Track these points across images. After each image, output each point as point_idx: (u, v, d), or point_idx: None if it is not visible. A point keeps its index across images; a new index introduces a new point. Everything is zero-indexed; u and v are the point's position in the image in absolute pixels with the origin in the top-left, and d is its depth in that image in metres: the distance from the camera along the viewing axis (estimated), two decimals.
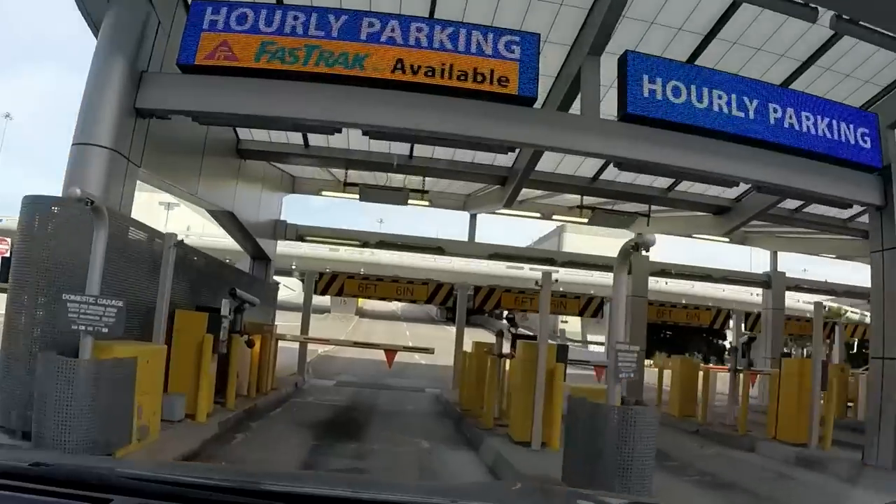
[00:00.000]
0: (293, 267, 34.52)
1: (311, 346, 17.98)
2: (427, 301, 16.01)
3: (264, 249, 13.67)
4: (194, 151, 8.83)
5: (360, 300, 59.90)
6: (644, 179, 11.62)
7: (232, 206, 10.54)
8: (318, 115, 6.42)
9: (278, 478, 1.71)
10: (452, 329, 50.42)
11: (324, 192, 15.77)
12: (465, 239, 15.15)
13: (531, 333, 10.33)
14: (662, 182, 11.80)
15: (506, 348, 9.92)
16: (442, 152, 10.37)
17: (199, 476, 1.51)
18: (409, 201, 16.02)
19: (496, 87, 6.47)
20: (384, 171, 11.01)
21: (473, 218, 15.24)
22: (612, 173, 11.33)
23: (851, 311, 33.92)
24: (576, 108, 7.31)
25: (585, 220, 15.36)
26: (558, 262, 15.30)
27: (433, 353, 11.91)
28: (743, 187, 12.25)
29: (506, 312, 10.30)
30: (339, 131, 6.67)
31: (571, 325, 56.83)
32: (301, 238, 14.28)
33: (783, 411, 10.09)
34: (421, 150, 10.34)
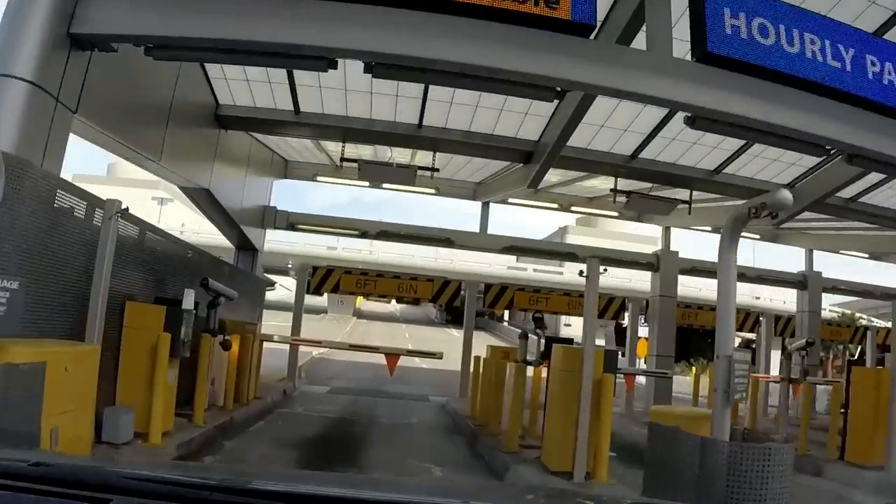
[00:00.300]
0: (289, 266, 32.92)
1: (304, 349, 16.54)
2: (432, 300, 14.39)
3: (250, 239, 12.06)
4: (157, 108, 7.24)
5: (359, 300, 58.57)
6: (689, 158, 10.04)
7: (209, 182, 8.95)
8: (309, 40, 4.85)
9: (279, 477, 1.79)
10: (454, 331, 48.81)
11: (319, 178, 14.17)
12: (477, 231, 13.52)
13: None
14: (710, 161, 10.21)
15: (530, 353, 8.38)
16: (456, 120, 8.76)
17: (199, 476, 1.52)
18: (414, 190, 14.52)
19: (543, 8, 4.89)
20: (389, 143, 9.38)
21: (486, 207, 13.61)
22: (653, 150, 9.76)
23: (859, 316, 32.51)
24: (638, 43, 5.73)
25: (614, 213, 13.84)
26: (581, 256, 13.70)
27: (441, 358, 10.31)
28: (796, 171, 10.71)
29: (532, 313, 8.63)
30: (335, 65, 5.08)
31: (576, 328, 55.23)
32: (293, 226, 12.68)
33: (854, 428, 8.59)
34: (433, 117, 8.71)
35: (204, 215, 10.22)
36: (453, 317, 64.76)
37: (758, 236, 17.69)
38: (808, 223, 15.38)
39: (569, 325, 56.40)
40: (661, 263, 14.47)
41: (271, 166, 13.00)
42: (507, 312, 66.18)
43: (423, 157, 10.25)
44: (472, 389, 10.45)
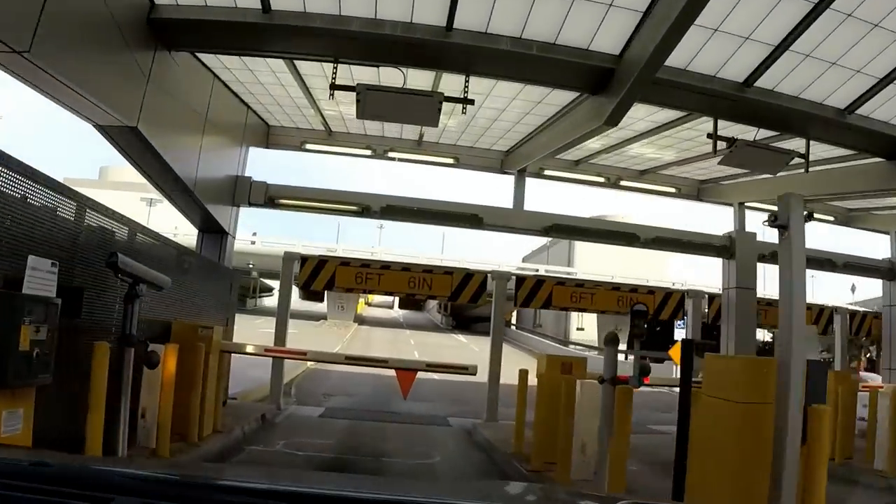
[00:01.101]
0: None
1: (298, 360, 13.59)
2: (451, 298, 11.45)
3: (217, 219, 9.18)
4: None
5: (360, 306, 55.87)
6: (818, 90, 7.16)
7: (137, 119, 6.09)
8: None
9: (279, 477, 1.74)
10: (461, 337, 46.04)
11: (308, 145, 11.33)
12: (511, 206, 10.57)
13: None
14: (841, 97, 7.35)
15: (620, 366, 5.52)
16: (503, 21, 5.85)
17: (200, 476, 1.55)
18: (430, 161, 11.66)
19: None
20: (400, 61, 6.41)
21: (521, 178, 10.70)
22: (774, 76, 6.88)
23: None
24: None
25: (670, 189, 11.01)
26: (643, 238, 10.85)
27: (475, 373, 7.44)
28: None
29: (633, 305, 5.64)
30: None
31: (589, 331, 52.21)
32: (272, 201, 9.78)
33: None
34: (468, 14, 5.77)
35: (140, 173, 7.32)
36: (458, 322, 62.00)
37: (832, 218, 14.90)
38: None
39: (581, 330, 53.80)
40: (737, 248, 11.57)
41: (246, 128, 10.12)
42: (514, 315, 63.44)
43: (449, 84, 7.30)
44: (518, 413, 7.52)
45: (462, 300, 11.48)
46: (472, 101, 6.43)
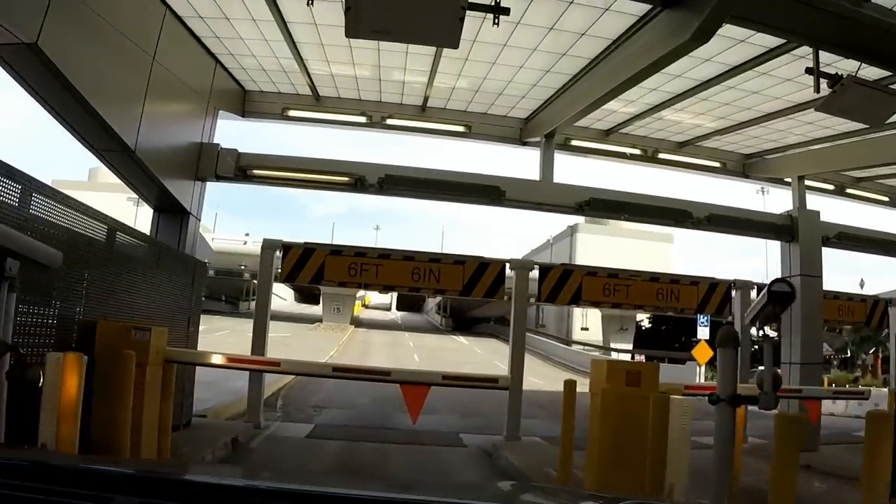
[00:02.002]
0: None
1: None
2: (463, 292, 9.62)
3: (174, 194, 7.36)
4: None
5: (357, 308, 54.05)
6: None
7: (36, 34, 4.29)
8: None
9: (279, 477, 1.84)
10: (461, 339, 44.31)
11: (291, 111, 9.52)
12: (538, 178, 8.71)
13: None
14: None
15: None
16: None
17: (200, 475, 1.58)
18: (439, 129, 9.86)
19: None
20: None
21: (549, 144, 8.86)
22: None
23: None
24: None
25: (714, 164, 9.29)
26: (695, 217, 9.04)
27: (508, 388, 5.65)
28: None
29: (770, 284, 3.77)
30: None
31: (594, 331, 50.39)
32: (244, 173, 7.94)
33: None
34: None
35: (59, 120, 5.48)
36: (458, 323, 60.15)
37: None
38: None
39: (586, 329, 52.01)
40: (800, 228, 9.81)
41: (214, 87, 8.30)
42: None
43: None
44: (565, 437, 5.69)
45: (476, 295, 9.68)
46: (507, 10, 4.64)
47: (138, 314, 5.93)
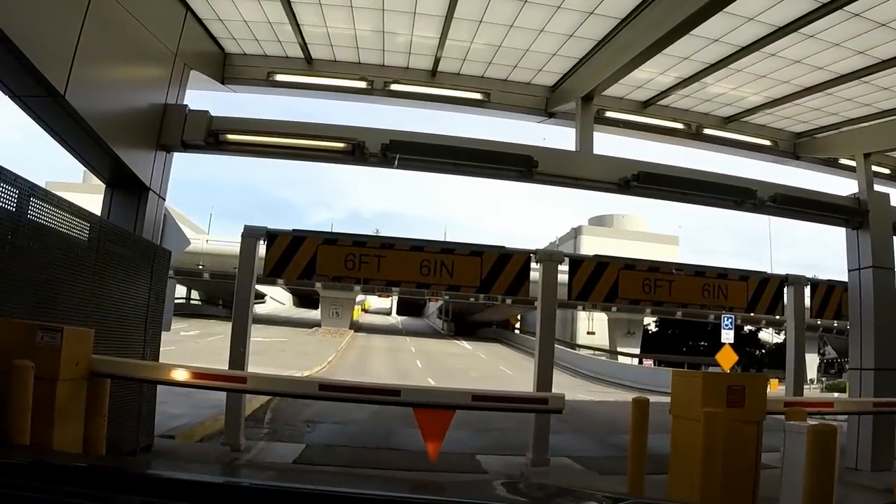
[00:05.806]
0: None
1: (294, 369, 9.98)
2: (481, 288, 8.16)
3: (130, 165, 5.92)
4: None
5: (356, 312, 52.57)
6: None
7: None
8: None
9: (279, 477, 1.84)
10: (465, 344, 42.82)
11: (277, 75, 8.09)
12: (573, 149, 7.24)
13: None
14: None
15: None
16: None
17: (201, 475, 1.52)
18: (454, 95, 8.40)
19: None
20: None
21: (587, 108, 7.37)
22: None
23: None
24: None
25: (765, 143, 7.92)
26: (759, 196, 7.56)
27: (560, 411, 4.21)
28: None
29: None
30: None
31: (600, 335, 48.88)
32: (216, 139, 6.48)
33: None
34: None
35: None
36: (460, 327, 58.56)
37: None
38: None
39: (592, 333, 50.52)
40: (871, 212, 8.37)
41: (182, 38, 6.82)
42: (518, 318, 60.05)
43: None
44: (634, 468, 4.20)
45: (496, 292, 8.24)
46: None
47: (67, 313, 4.47)
